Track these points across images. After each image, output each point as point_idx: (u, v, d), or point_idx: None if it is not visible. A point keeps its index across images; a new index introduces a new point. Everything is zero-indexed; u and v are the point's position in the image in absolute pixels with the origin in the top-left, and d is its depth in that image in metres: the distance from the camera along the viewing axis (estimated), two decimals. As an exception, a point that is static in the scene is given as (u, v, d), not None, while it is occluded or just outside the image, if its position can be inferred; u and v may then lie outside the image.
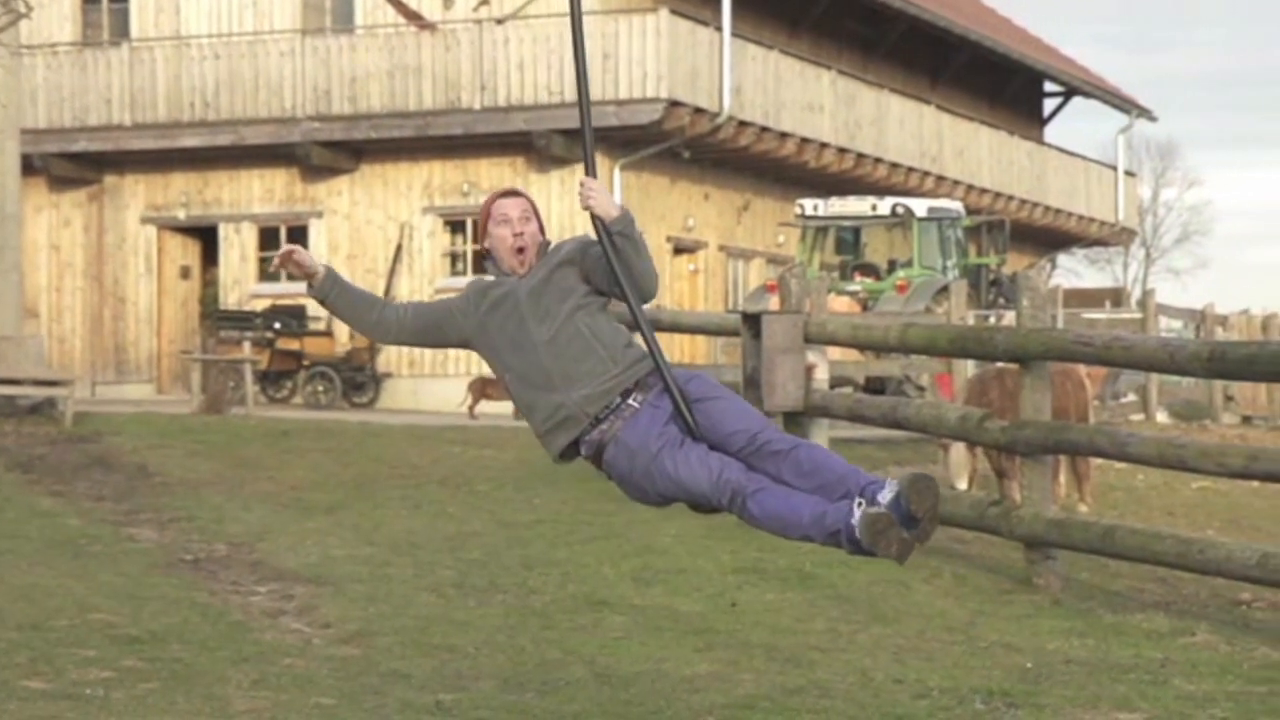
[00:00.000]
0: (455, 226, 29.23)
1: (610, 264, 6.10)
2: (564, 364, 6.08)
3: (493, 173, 28.64)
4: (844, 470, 5.97)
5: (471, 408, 25.04)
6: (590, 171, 6.24)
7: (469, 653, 8.20)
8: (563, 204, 28.26)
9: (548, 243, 6.37)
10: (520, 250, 6.28)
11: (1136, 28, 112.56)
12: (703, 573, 10.46)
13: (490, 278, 6.38)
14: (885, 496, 5.78)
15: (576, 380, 6.08)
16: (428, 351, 28.64)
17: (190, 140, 29.29)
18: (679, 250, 30.54)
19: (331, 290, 6.33)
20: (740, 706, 7.15)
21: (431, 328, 6.37)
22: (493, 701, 7.20)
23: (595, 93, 26.94)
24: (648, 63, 27.31)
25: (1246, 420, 26.05)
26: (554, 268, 6.23)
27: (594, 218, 6.14)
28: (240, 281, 30.05)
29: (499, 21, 28.12)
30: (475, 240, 7.18)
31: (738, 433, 5.98)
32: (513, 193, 6.46)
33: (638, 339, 6.24)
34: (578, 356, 6.08)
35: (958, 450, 13.94)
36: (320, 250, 29.52)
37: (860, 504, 5.80)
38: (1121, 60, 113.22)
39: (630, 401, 6.08)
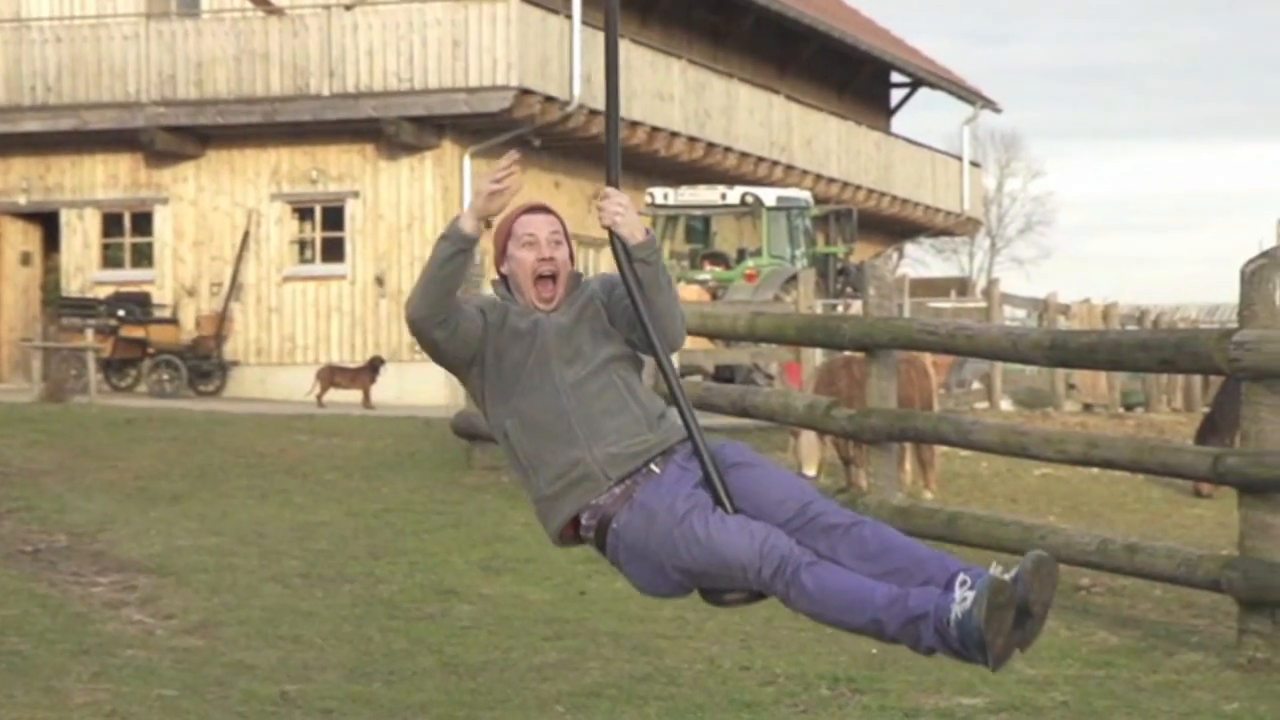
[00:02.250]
0: (304, 214, 28.98)
1: (630, 296, 5.16)
2: (591, 415, 5.12)
3: (342, 160, 28.45)
4: (924, 554, 4.94)
5: (319, 396, 24.88)
6: (614, 182, 5.26)
7: (315, 643, 8.14)
8: (412, 192, 28.16)
9: (579, 274, 5.37)
10: (548, 279, 5.27)
11: (982, 20, 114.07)
12: (552, 561, 10.44)
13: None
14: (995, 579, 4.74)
15: (603, 436, 5.11)
16: (274, 339, 28.41)
17: (31, 124, 28.80)
18: (529, 238, 30.43)
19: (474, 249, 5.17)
20: (588, 695, 7.16)
21: (466, 333, 5.23)
22: (338, 692, 7.15)
23: (444, 80, 26.99)
24: (498, 50, 27.24)
25: (1087, 408, 26.48)
26: (586, 304, 5.27)
27: (614, 238, 5.18)
28: (83, 268, 29.58)
29: (348, 7, 27.90)
30: (494, 263, 5.44)
31: (785, 501, 4.99)
32: (541, 208, 5.37)
33: (667, 405, 5.28)
34: (609, 410, 5.14)
35: (808, 438, 14.04)
36: (166, 237, 29.17)
37: (964, 581, 4.77)
38: (967, 52, 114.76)
39: (653, 467, 5.11)
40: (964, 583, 4.74)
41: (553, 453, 5.13)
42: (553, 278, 5.26)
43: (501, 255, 5.35)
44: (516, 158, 5.19)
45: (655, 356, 5.15)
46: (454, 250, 5.08)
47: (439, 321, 5.16)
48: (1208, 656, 8.01)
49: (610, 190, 5.22)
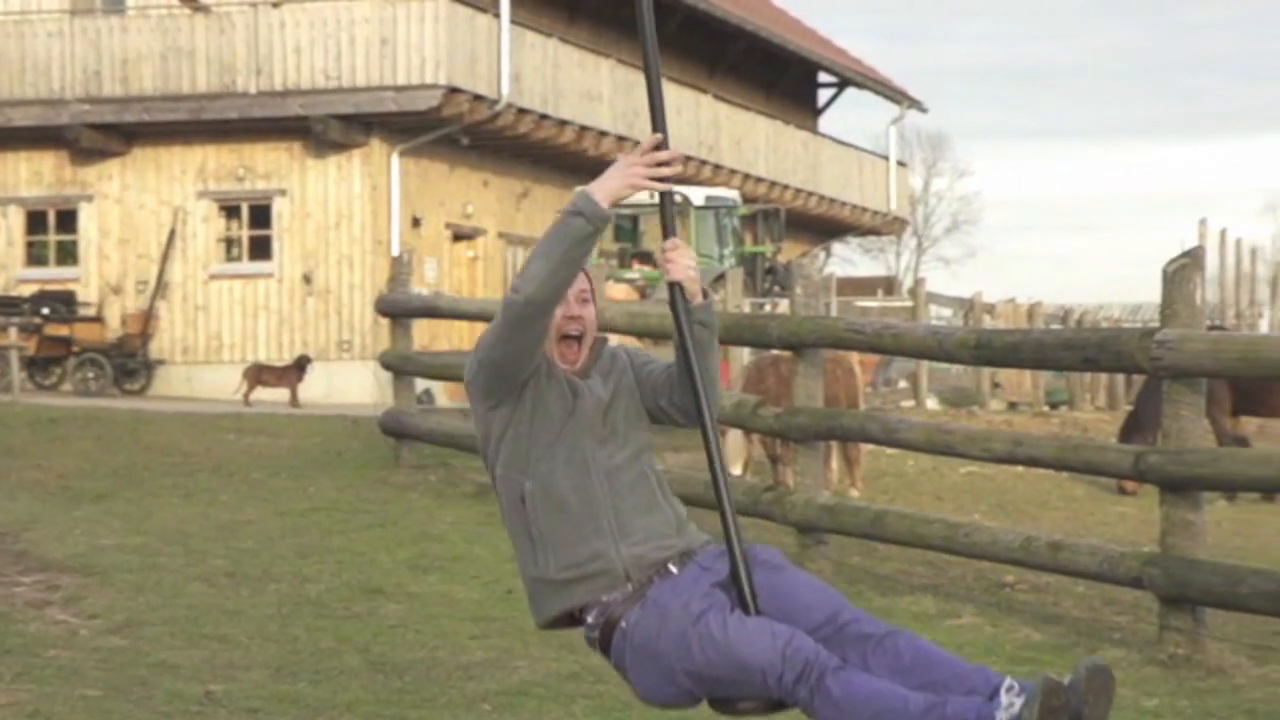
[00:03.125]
0: (230, 211, 28.82)
1: (684, 358, 4.81)
2: (622, 509, 4.76)
3: (269, 157, 28.32)
4: (966, 668, 4.59)
5: (246, 395, 24.77)
6: (672, 230, 4.88)
7: (241, 642, 8.10)
8: (340, 191, 28.05)
9: (604, 339, 5.01)
10: (573, 340, 4.89)
11: (908, 20, 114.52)
12: (479, 560, 10.44)
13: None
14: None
15: (631, 534, 4.75)
16: (201, 338, 28.25)
17: (-46, 121, 28.55)
18: (458, 237, 30.44)
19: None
20: (515, 693, 7.16)
21: (539, 349, 4.77)
22: (264, 691, 7.13)
23: (372, 78, 26.90)
24: (426, 49, 27.18)
25: (1012, 406, 26.68)
26: (620, 378, 4.93)
27: (676, 295, 4.81)
28: (7, 266, 29.33)
29: (275, 5, 27.77)
30: None
31: (814, 608, 4.65)
32: None
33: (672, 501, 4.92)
34: (640, 507, 4.79)
35: (734, 436, 14.09)
36: (91, 235, 28.96)
37: (1011, 688, 4.43)
38: (894, 52, 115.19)
39: (670, 567, 4.76)
40: (1010, 689, 4.43)
41: (573, 537, 4.73)
42: (578, 339, 4.89)
43: None
44: (680, 155, 4.80)
45: (702, 423, 4.78)
46: (591, 230, 4.65)
47: (554, 307, 4.73)
48: (1129, 653, 8.08)
49: (677, 242, 4.85)
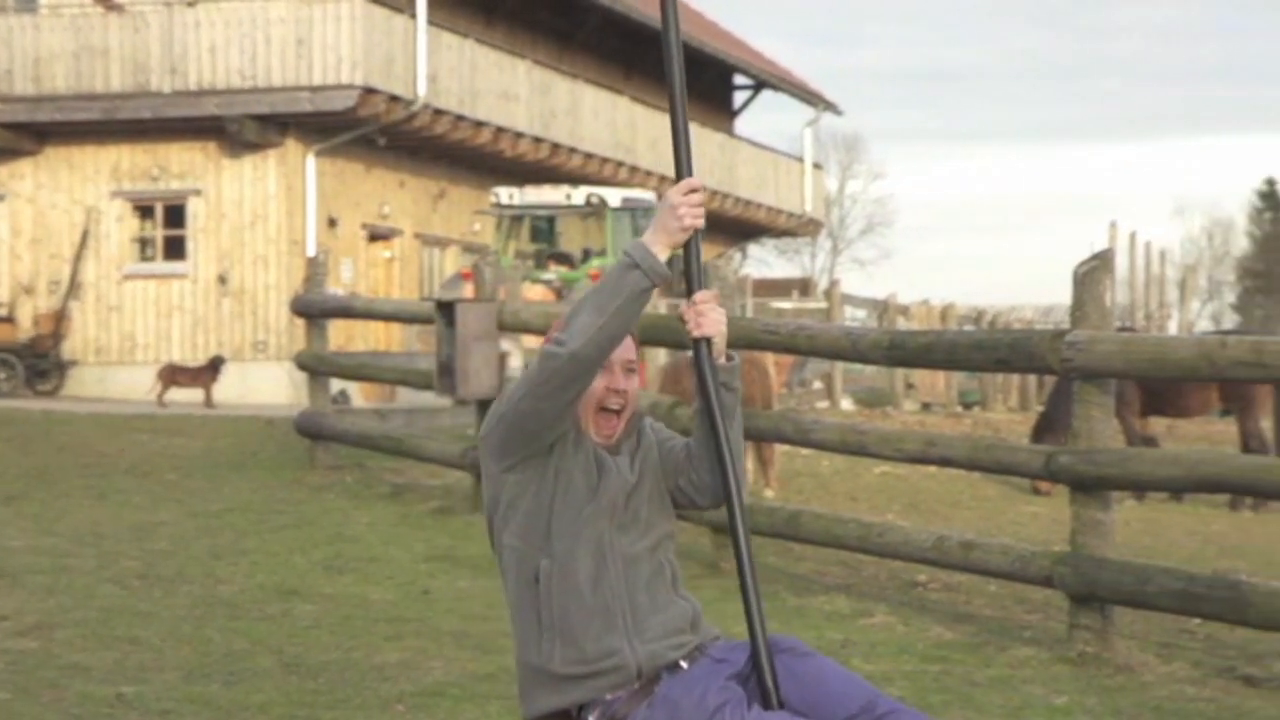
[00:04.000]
0: (144, 211, 28.61)
1: (711, 429, 4.42)
2: (638, 603, 4.41)
3: (184, 157, 28.13)
4: None
5: (160, 395, 24.60)
6: (699, 283, 4.48)
7: (153, 644, 8.06)
8: (255, 191, 27.90)
9: (641, 415, 4.63)
10: (613, 414, 4.50)
11: (823, 23, 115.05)
12: (395, 561, 10.43)
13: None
14: None
15: (645, 630, 4.38)
16: (114, 338, 28.03)
17: None
18: (374, 238, 30.34)
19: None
20: (429, 694, 7.16)
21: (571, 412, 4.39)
22: (176, 693, 7.09)
23: (288, 78, 26.77)
24: (342, 49, 27.08)
25: (926, 407, 26.85)
26: (646, 457, 4.54)
27: (701, 354, 4.44)
28: (-84, 266, 29.02)
29: (190, 4, 27.59)
30: None
31: (846, 698, 4.31)
32: None
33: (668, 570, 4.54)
34: (657, 603, 4.43)
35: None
36: (2, 235, 28.68)
37: None
38: (809, 54, 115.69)
39: (681, 663, 4.40)
40: None
41: (586, 630, 4.34)
42: (618, 413, 4.50)
43: None
44: (699, 186, 4.44)
45: (729, 501, 4.42)
46: (647, 285, 4.27)
47: (599, 366, 4.34)
48: (1039, 651, 8.16)
49: (710, 294, 4.46)
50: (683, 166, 4.49)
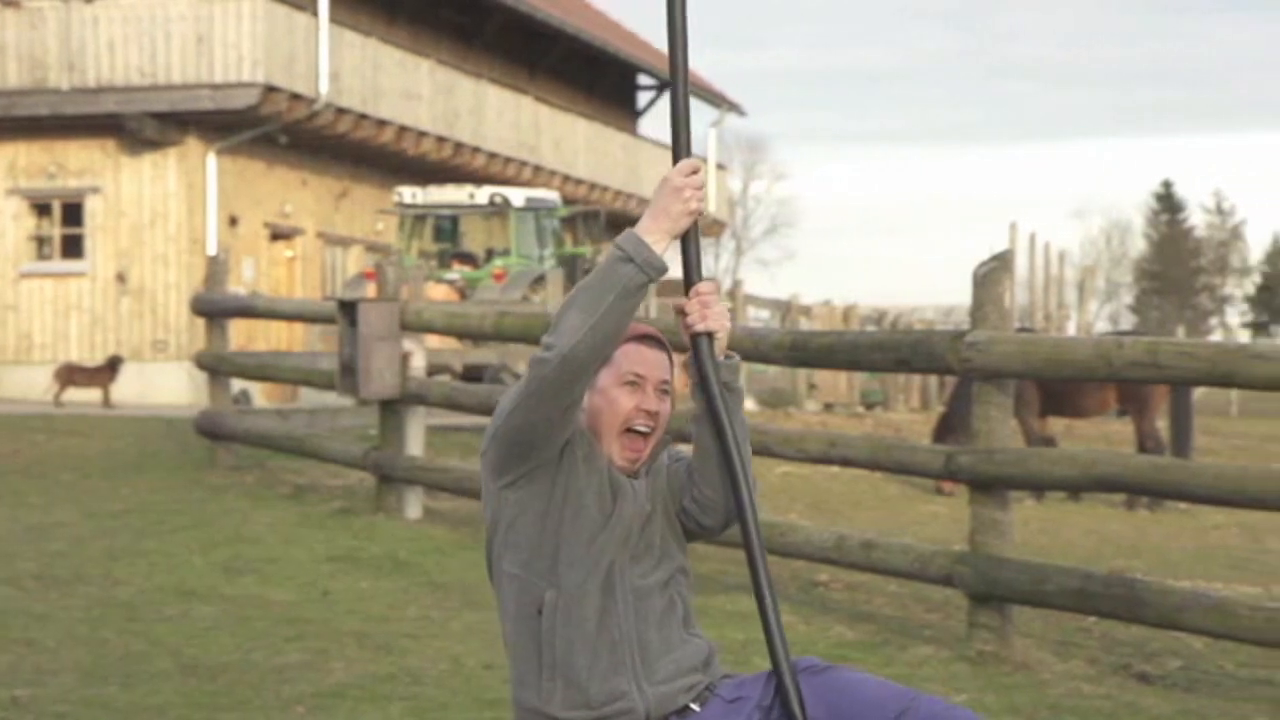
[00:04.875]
0: (41, 209, 28.29)
1: (718, 434, 4.03)
2: (647, 641, 4.01)
3: (82, 155, 27.84)
4: None
5: (57, 395, 24.34)
6: (698, 273, 4.10)
7: (48, 646, 7.97)
8: (155, 189, 27.66)
9: (669, 440, 4.33)
10: (641, 438, 4.11)
11: (728, 24, 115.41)
12: (295, 561, 10.37)
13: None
14: None
15: (655, 671, 4.00)
16: (10, 337, 27.71)
17: None
18: (276, 237, 30.15)
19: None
20: (330, 695, 7.12)
21: (571, 423, 3.98)
22: (72, 695, 7.02)
23: (188, 75, 26.55)
24: (243, 46, 26.88)
25: (828, 407, 26.98)
26: (656, 481, 4.15)
27: (702, 351, 4.05)
28: None
29: (88, 0, 27.35)
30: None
31: (882, 703, 3.94)
32: (657, 341, 4.15)
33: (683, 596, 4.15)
34: (668, 643, 4.03)
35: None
36: (-105, 232, 28.31)
37: None
38: (713, 55, 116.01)
39: (692, 705, 4.04)
40: None
41: (591, 670, 3.95)
42: (647, 436, 4.10)
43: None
44: (700, 167, 4.05)
45: (741, 517, 4.03)
46: (643, 280, 3.89)
47: (592, 370, 3.94)
48: (940, 650, 8.22)
49: (714, 285, 4.09)
50: (681, 146, 4.09)
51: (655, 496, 4.11)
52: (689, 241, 4.04)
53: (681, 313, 4.05)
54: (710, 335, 4.03)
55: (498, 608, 4.13)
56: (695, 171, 4.01)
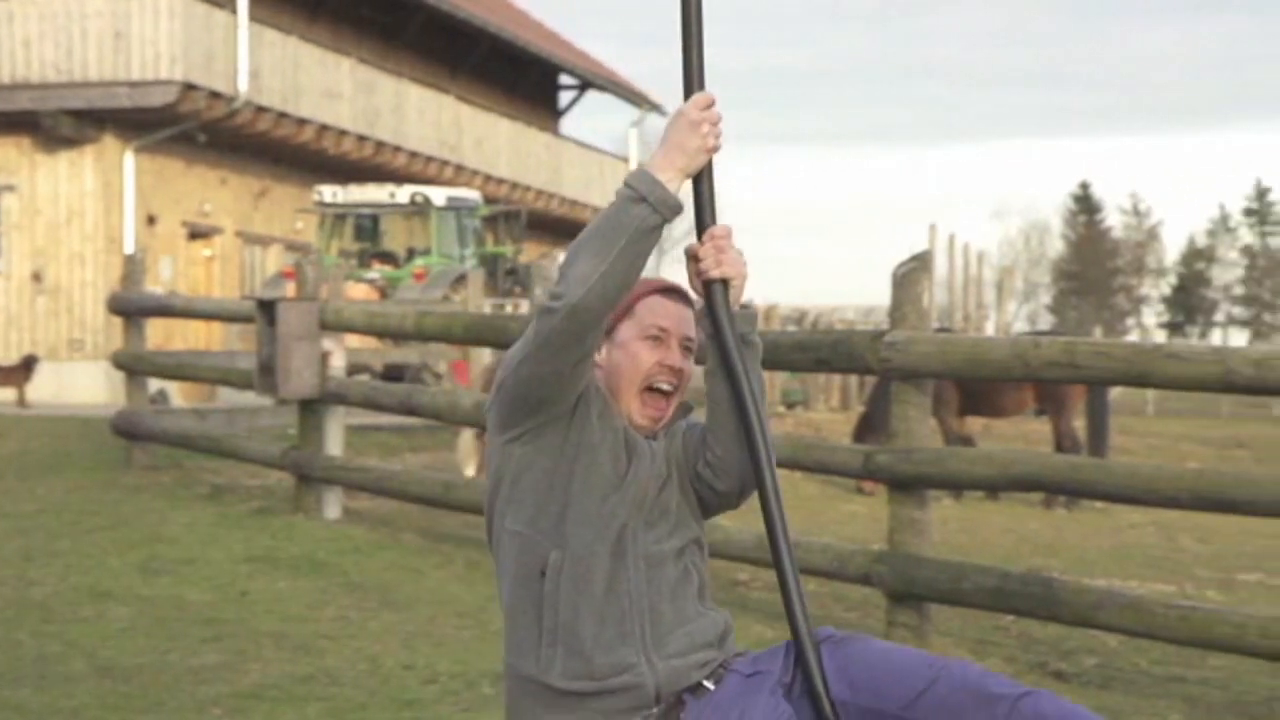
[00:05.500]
0: (-45, 207, 28.02)
1: (733, 386, 3.78)
2: (659, 612, 3.73)
3: (-4, 152, 27.59)
4: None
5: (-28, 396, 24.11)
6: (712, 215, 3.82)
7: (-38, 649, 7.88)
8: (72, 187, 27.42)
9: (689, 405, 3.97)
10: (663, 397, 3.88)
11: (648, 23, 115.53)
12: (213, 562, 10.30)
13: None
14: None
15: (666, 644, 3.72)
16: (-75, 337, 27.40)
17: None
18: (194, 236, 29.95)
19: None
20: (247, 696, 7.07)
21: (583, 377, 3.71)
22: (-13, 698, 6.94)
23: (105, 73, 26.33)
24: (161, 44, 26.69)
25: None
26: (670, 445, 3.89)
27: (717, 299, 3.79)
28: None
29: (3, -5, 27.08)
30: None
31: (910, 672, 3.68)
32: (680, 294, 3.93)
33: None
34: (682, 614, 3.77)
35: (465, 438, 14.10)
36: None
37: None
38: (635, 55, 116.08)
39: (705, 683, 3.74)
40: None
41: (596, 639, 3.67)
42: (669, 395, 3.87)
43: (604, 335, 3.84)
44: (716, 100, 3.75)
45: (759, 475, 3.80)
46: (657, 221, 3.61)
47: (604, 320, 3.66)
48: (859, 648, 8.25)
49: (728, 229, 3.81)
50: (694, 79, 3.80)
51: (671, 461, 3.86)
52: (702, 181, 3.78)
53: (694, 258, 3.79)
54: (725, 282, 3.78)
55: (496, 568, 3.86)
56: (711, 105, 3.72)
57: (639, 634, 3.69)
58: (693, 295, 3.88)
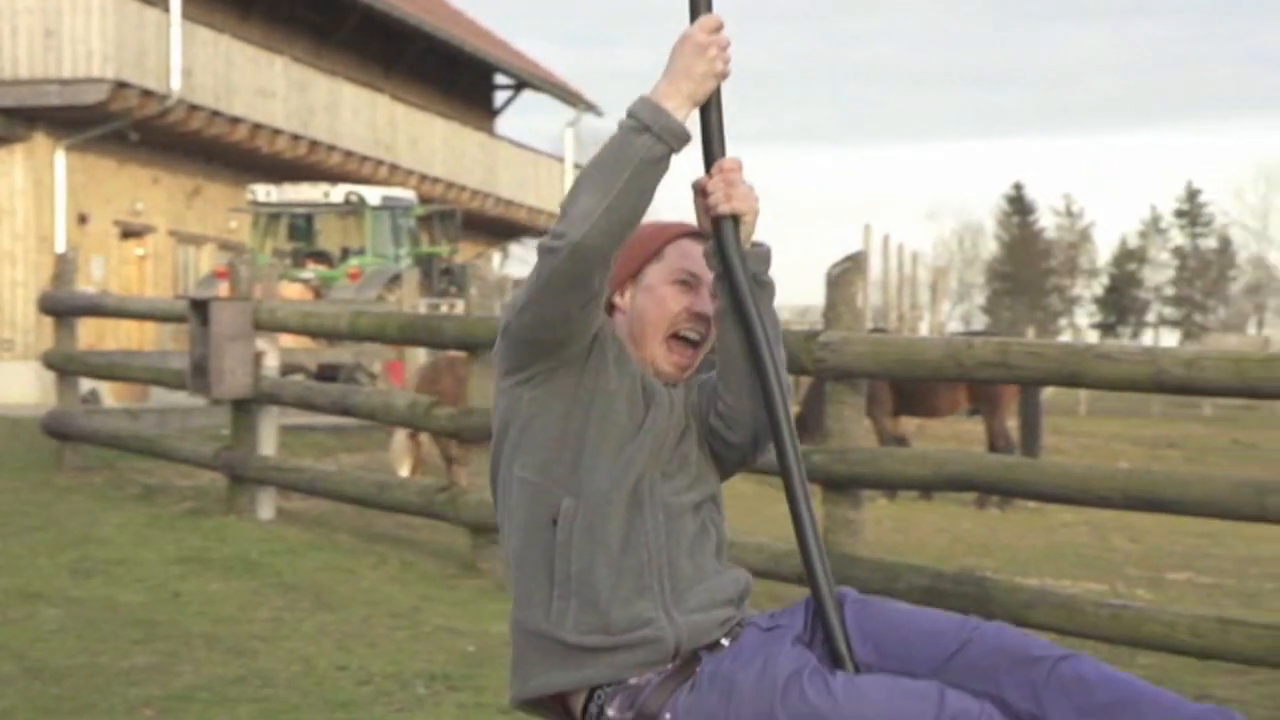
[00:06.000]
0: (-117, 205, 27.74)
1: (749, 338, 3.53)
2: (678, 567, 3.52)
3: (-75, 150, 27.34)
4: (1189, 710, 3.32)
5: (-100, 396, 23.91)
6: (721, 146, 3.61)
7: (-110, 652, 7.81)
8: (1, 186, 27.21)
9: (710, 360, 3.73)
10: (690, 346, 3.67)
11: (584, 24, 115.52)
12: (145, 563, 10.23)
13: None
14: None
15: (685, 599, 3.51)
16: None
17: None
18: (127, 235, 29.75)
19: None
20: (179, 698, 7.03)
21: (593, 320, 3.50)
22: (-85, 701, 6.88)
23: (35, 70, 26.13)
24: (93, 41, 26.50)
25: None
26: (693, 403, 3.67)
27: (727, 231, 3.55)
28: None
29: (-68, -9, 26.82)
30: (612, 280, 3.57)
31: (941, 633, 3.44)
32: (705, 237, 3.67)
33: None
34: (701, 570, 3.56)
35: (398, 438, 14.07)
36: None
37: None
38: (570, 55, 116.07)
39: (723, 641, 3.53)
40: None
41: (613, 593, 3.46)
42: (697, 345, 3.67)
43: (628, 278, 3.67)
44: (723, 23, 3.56)
45: (775, 422, 3.53)
46: (665, 151, 3.41)
47: (609, 259, 3.42)
48: (793, 647, 8.27)
49: (738, 161, 3.60)
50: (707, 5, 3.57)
51: (690, 412, 3.65)
52: (710, 110, 3.55)
53: (702, 193, 3.56)
54: (736, 218, 3.55)
55: (500, 518, 3.66)
56: (719, 28, 3.52)
57: (658, 589, 3.48)
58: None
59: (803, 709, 3.28)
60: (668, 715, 3.40)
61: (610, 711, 3.46)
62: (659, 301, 3.63)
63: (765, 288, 3.57)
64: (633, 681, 3.46)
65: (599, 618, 3.45)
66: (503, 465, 3.61)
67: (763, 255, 3.60)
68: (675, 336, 3.64)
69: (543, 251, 3.40)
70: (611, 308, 3.66)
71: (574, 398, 3.51)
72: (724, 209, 3.53)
